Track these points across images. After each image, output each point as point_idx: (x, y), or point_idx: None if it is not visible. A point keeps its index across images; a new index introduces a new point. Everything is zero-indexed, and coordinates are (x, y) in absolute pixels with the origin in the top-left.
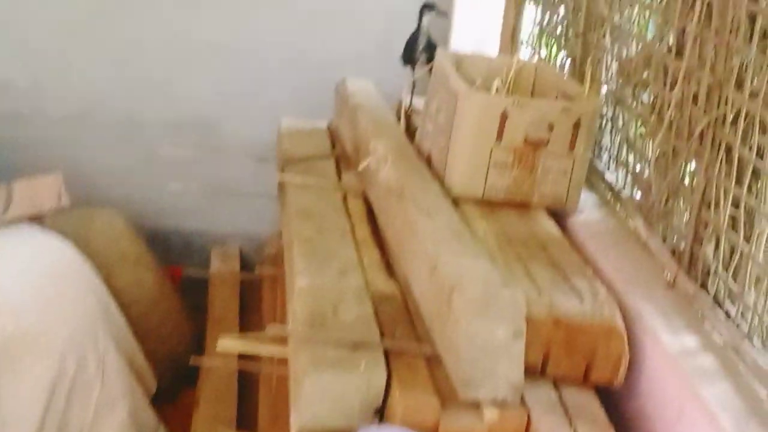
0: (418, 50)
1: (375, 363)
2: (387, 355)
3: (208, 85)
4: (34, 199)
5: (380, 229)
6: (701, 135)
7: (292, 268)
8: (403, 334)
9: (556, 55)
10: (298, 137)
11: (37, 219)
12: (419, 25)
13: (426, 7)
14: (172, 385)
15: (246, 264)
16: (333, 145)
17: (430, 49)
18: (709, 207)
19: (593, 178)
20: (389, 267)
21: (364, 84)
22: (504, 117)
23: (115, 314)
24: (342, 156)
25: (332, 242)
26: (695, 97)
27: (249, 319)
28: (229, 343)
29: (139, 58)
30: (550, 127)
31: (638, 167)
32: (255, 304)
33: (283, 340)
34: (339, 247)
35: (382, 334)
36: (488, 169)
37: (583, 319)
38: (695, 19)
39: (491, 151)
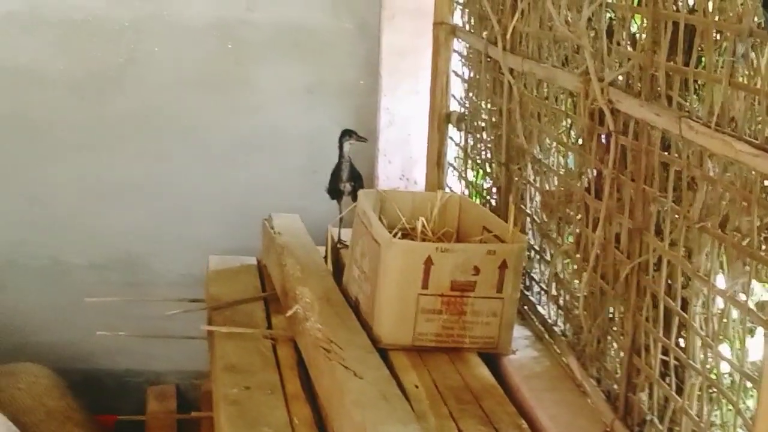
0: (343, 181)
1: None
2: None
3: (132, 222)
4: None
5: (311, 380)
6: (626, 280)
7: None
8: None
9: (483, 180)
10: (226, 278)
11: None
12: (341, 155)
13: (345, 134)
14: None
15: (184, 402)
16: (263, 283)
17: (354, 178)
18: (639, 353)
19: (526, 311)
20: (322, 423)
21: (290, 220)
22: (429, 263)
23: None
24: (272, 296)
25: (260, 402)
26: (618, 239)
27: None
28: None
29: (57, 198)
30: (477, 270)
31: (569, 303)
32: None
33: None
34: (267, 407)
35: None
36: (416, 316)
37: None
38: (611, 162)
39: (418, 298)
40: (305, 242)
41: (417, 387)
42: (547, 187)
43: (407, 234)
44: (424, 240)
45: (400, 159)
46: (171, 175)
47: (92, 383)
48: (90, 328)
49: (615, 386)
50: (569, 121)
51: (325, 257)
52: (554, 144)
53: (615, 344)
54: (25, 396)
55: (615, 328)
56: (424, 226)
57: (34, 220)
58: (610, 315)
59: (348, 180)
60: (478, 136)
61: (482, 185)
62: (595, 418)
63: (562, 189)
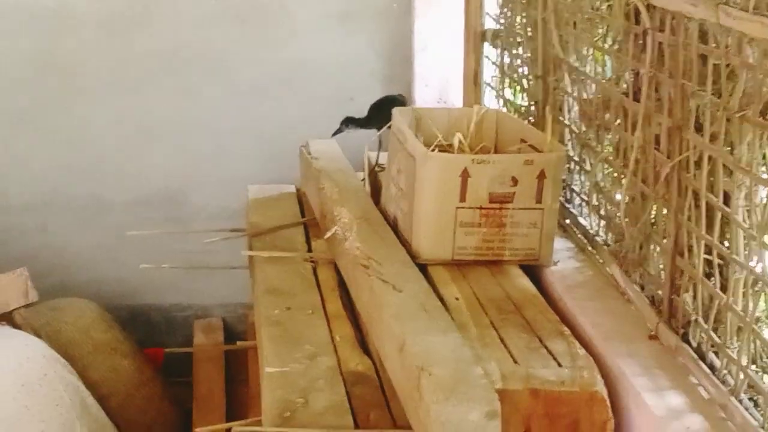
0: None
1: None
2: None
3: (170, 159)
4: None
5: (352, 299)
6: (667, 180)
7: (261, 353)
8: (377, 418)
9: (520, 96)
10: (265, 205)
11: (5, 318)
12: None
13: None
14: None
15: (231, 334)
16: (303, 210)
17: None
18: (682, 254)
19: (567, 224)
20: (364, 341)
21: (327, 145)
22: (465, 176)
23: (94, 409)
24: (311, 222)
25: (302, 322)
26: (658, 140)
27: (236, 392)
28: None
29: (95, 139)
30: (515, 181)
31: (610, 211)
32: (242, 376)
33: None
34: (309, 326)
35: (355, 421)
36: (455, 230)
37: (562, 388)
38: (648, 61)
39: (456, 212)
40: (343, 166)
41: (457, 299)
42: (585, 96)
43: (444, 150)
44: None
45: (437, 82)
46: (204, 110)
47: (139, 319)
48: (134, 265)
49: (659, 291)
50: (606, 26)
51: (363, 180)
52: (591, 51)
53: (657, 248)
54: (72, 330)
55: (657, 232)
56: (460, 141)
57: (71, 160)
58: (652, 219)
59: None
60: (514, 51)
61: (519, 102)
62: (639, 323)
63: (600, 96)
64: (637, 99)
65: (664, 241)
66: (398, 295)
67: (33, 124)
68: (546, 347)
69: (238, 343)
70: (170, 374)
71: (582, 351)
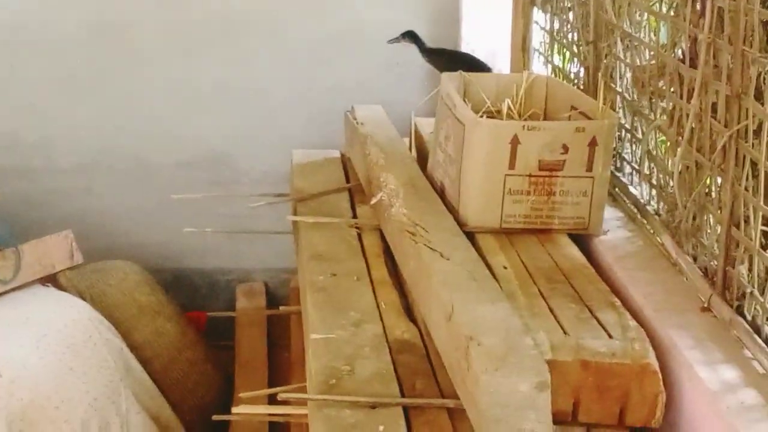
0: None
1: (394, 423)
2: (407, 412)
3: (217, 123)
4: (44, 260)
5: (398, 266)
6: (724, 149)
7: (306, 320)
8: (423, 387)
9: (570, 63)
10: (310, 171)
11: (50, 279)
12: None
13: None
14: None
15: (273, 299)
16: (347, 175)
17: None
18: (738, 225)
19: (617, 193)
20: (409, 309)
21: (373, 110)
22: (515, 143)
23: (137, 371)
24: (356, 187)
25: (347, 288)
26: (714, 109)
27: (278, 357)
28: (246, 409)
29: (143, 102)
30: (565, 149)
31: (662, 181)
32: (284, 341)
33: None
34: (354, 293)
35: (401, 389)
36: (503, 197)
37: (612, 360)
38: (707, 27)
39: (505, 179)
40: (388, 131)
41: (505, 268)
42: (639, 62)
43: (493, 116)
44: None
45: (484, 48)
46: (253, 75)
47: (182, 282)
48: (178, 228)
49: (712, 262)
50: None
51: (410, 146)
52: (645, 16)
53: (712, 219)
54: (116, 292)
55: (711, 202)
56: (509, 107)
57: (118, 122)
58: (707, 189)
59: (443, 70)
60: (565, 16)
61: (569, 69)
62: (691, 294)
63: (654, 63)
64: (693, 66)
65: (719, 211)
66: (446, 262)
67: (82, 85)
68: (596, 318)
69: (281, 308)
70: (213, 338)
71: (633, 322)
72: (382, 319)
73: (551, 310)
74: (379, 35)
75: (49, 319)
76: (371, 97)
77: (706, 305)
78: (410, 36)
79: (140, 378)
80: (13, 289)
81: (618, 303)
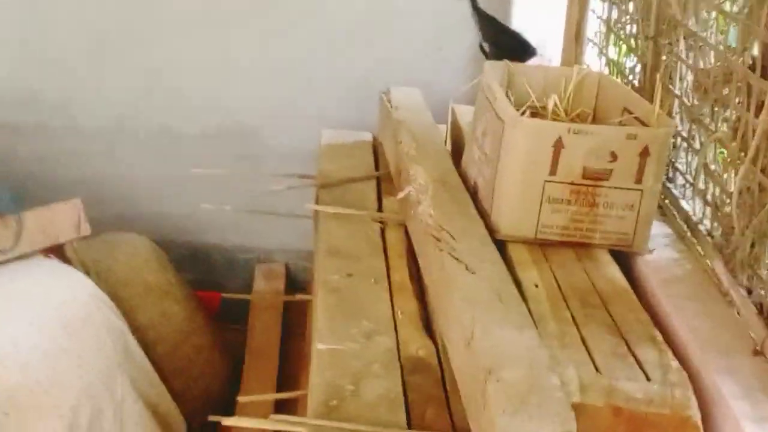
0: (482, 40)
1: None
2: None
3: (247, 95)
4: (49, 229)
5: (421, 270)
6: None
7: (314, 324)
8: (434, 416)
9: (626, 57)
10: (338, 153)
11: (55, 250)
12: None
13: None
14: (207, 424)
15: (293, 282)
16: (377, 161)
17: (496, 37)
18: None
19: (667, 205)
20: (428, 319)
21: (410, 94)
22: (559, 146)
23: (137, 356)
24: (385, 176)
25: (363, 291)
26: None
27: (292, 345)
28: (238, 422)
29: (173, 69)
30: (613, 157)
31: (719, 199)
32: (300, 329)
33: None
34: (370, 297)
35: (409, 417)
36: (541, 205)
37: (649, 408)
38: None
39: (544, 186)
40: (424, 118)
41: (537, 286)
42: (702, 65)
43: (537, 113)
44: (555, 120)
45: (534, 34)
46: (290, 51)
47: (199, 258)
48: (198, 201)
49: None
50: None
51: (445, 136)
52: (713, 14)
53: None
54: (124, 268)
55: None
56: (556, 104)
57: (145, 88)
58: None
59: (487, 39)
60: (624, 7)
61: (625, 63)
62: (742, 333)
63: (721, 67)
64: (765, 76)
65: None
66: (471, 276)
67: (111, 47)
68: (633, 354)
69: (298, 296)
70: (226, 319)
71: (675, 363)
72: (397, 331)
73: (584, 341)
74: (423, 15)
75: (46, 295)
76: (411, 78)
77: (759, 348)
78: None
79: (140, 364)
80: (14, 260)
81: (660, 338)
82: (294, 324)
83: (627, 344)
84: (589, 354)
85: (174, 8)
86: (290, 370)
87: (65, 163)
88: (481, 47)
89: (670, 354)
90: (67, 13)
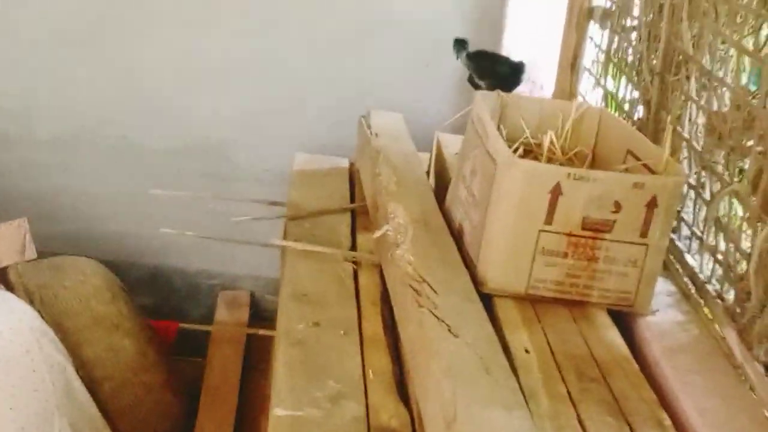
0: (476, 79)
1: None
2: None
3: (219, 108)
4: None
5: (396, 321)
6: None
7: (274, 384)
8: None
9: (623, 88)
10: (311, 181)
11: None
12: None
13: (458, 45)
14: None
15: (258, 312)
16: (352, 191)
17: (492, 74)
18: None
19: (670, 260)
20: (403, 381)
21: (391, 119)
22: (556, 193)
23: (80, 395)
24: (361, 208)
25: (330, 345)
26: None
27: (253, 383)
28: None
29: (140, 76)
30: (617, 207)
31: (732, 258)
32: (263, 365)
33: None
34: (338, 352)
35: None
36: (534, 257)
37: None
38: None
39: (539, 235)
40: (406, 148)
41: (527, 352)
42: (716, 107)
43: (530, 151)
44: (551, 160)
45: (527, 59)
46: (270, 59)
47: (159, 282)
48: (160, 221)
49: None
50: (759, 20)
51: (429, 168)
52: (731, 51)
53: None
54: (71, 296)
55: None
56: (552, 142)
57: (108, 97)
58: None
59: (482, 77)
60: (627, 36)
61: (624, 97)
62: (758, 416)
63: (739, 111)
64: None
65: None
66: (454, 341)
67: (72, 51)
68: None
69: (261, 331)
70: (183, 351)
71: None
72: (366, 395)
73: (582, 423)
74: (414, 27)
75: None
76: (395, 97)
77: None
78: (461, 45)
79: (83, 404)
80: None
81: (667, 422)
82: (256, 359)
83: (631, 429)
84: None
85: (138, 7)
86: (249, 410)
87: (20, 175)
88: (470, 80)
89: None
90: (27, 17)
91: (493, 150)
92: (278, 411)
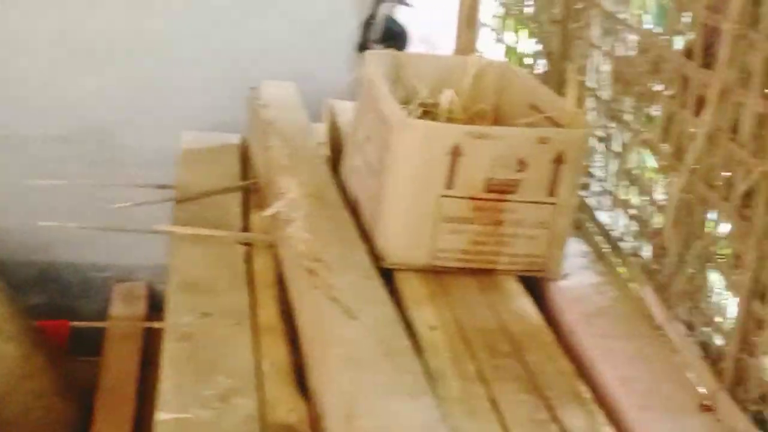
0: (371, 41)
1: None
2: None
3: (102, 89)
4: None
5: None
6: (750, 190)
7: (159, 384)
8: None
9: (524, 42)
10: (200, 160)
11: None
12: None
13: None
14: None
15: (156, 303)
16: (245, 169)
17: (391, 38)
18: (764, 298)
19: (580, 218)
20: (301, 371)
21: (283, 89)
22: (456, 154)
23: None
24: (253, 186)
25: (221, 338)
26: (736, 128)
27: (154, 381)
28: None
29: (15, 58)
30: (522, 165)
31: (646, 212)
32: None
33: None
34: (229, 345)
35: None
36: (436, 225)
37: None
38: (734, 14)
39: (440, 202)
40: (299, 119)
41: (434, 329)
42: (623, 52)
43: (428, 112)
44: (450, 120)
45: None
46: (157, 32)
47: (48, 279)
48: (45, 214)
49: (718, 340)
50: None
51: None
52: None
53: (722, 281)
54: None
55: (724, 258)
56: (451, 101)
57: None
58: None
59: (381, 41)
60: None
61: (526, 51)
62: (684, 382)
63: (646, 54)
64: (707, 65)
65: (735, 273)
66: (351, 325)
67: None
68: (557, 419)
69: (157, 324)
70: (78, 351)
71: (608, 430)
72: (263, 389)
73: (494, 404)
74: None
75: None
76: (288, 67)
77: (707, 403)
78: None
79: None
80: None
81: (587, 393)
82: (156, 353)
83: (548, 406)
84: (503, 424)
85: None
86: (151, 409)
87: None
88: (361, 47)
89: (601, 417)
90: None
91: (387, 112)
92: (162, 415)
